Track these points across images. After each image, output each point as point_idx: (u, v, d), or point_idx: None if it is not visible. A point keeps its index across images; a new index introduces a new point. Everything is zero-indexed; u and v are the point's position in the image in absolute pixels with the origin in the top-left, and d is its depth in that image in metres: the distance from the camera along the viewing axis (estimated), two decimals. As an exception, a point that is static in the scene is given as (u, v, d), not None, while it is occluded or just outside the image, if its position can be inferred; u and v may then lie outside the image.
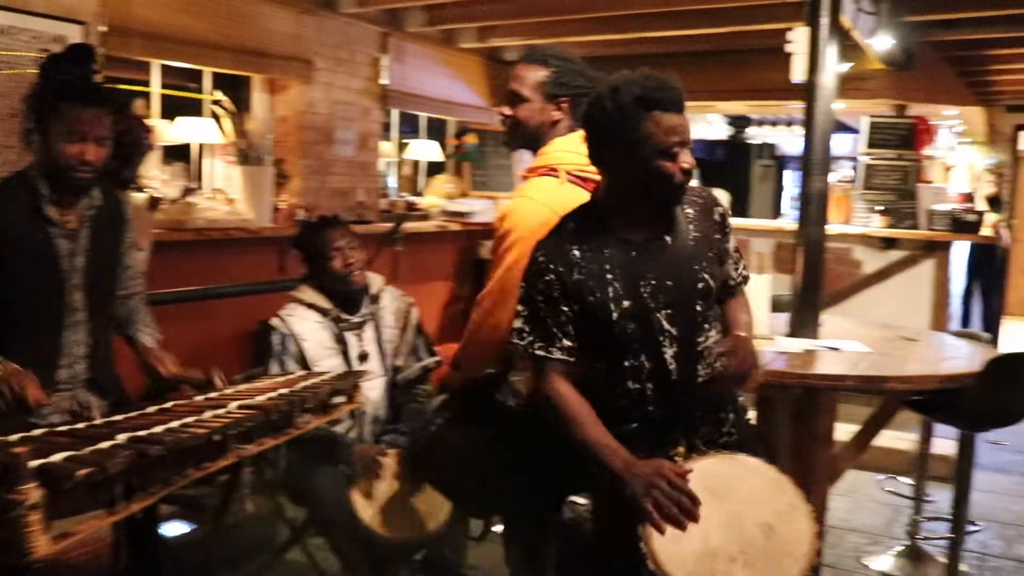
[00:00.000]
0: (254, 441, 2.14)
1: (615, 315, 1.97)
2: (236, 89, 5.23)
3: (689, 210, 2.08)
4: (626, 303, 1.97)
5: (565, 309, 1.99)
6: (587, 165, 2.14)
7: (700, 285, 2.04)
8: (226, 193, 4.98)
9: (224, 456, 2.03)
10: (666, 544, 1.73)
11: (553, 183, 2.32)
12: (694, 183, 2.05)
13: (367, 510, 2.79)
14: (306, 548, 3.18)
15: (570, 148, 2.33)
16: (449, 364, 2.64)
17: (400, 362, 3.17)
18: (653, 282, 1.99)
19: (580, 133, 2.11)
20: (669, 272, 2.00)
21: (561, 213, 2.13)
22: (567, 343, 2.01)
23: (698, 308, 2.03)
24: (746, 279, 2.26)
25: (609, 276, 1.98)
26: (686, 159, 1.92)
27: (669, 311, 1.99)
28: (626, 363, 2.00)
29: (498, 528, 4.08)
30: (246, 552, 3.42)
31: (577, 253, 1.99)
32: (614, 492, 1.90)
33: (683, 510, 1.80)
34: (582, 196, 2.17)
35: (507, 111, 2.41)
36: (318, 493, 2.85)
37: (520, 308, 2.04)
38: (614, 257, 1.99)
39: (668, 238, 2.02)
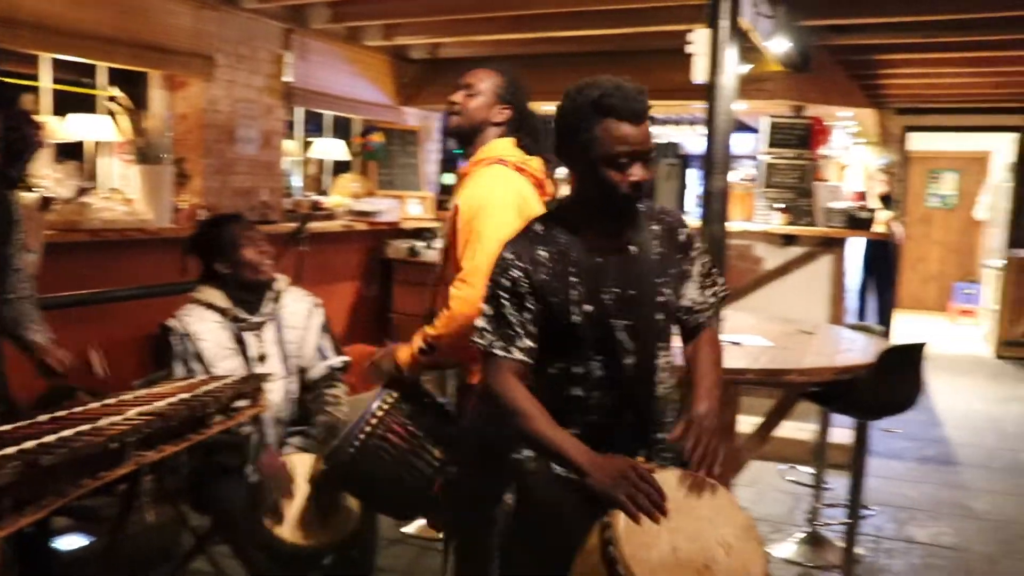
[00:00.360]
0: (154, 448, 2.09)
1: (574, 318, 1.95)
2: (133, 85, 5.07)
3: (656, 227, 2.07)
4: (587, 307, 1.96)
5: (530, 307, 1.98)
6: (528, 161, 2.54)
7: (660, 300, 2.03)
8: (123, 193, 4.82)
9: (122, 464, 1.98)
10: (637, 551, 1.71)
11: (504, 170, 2.56)
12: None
13: (273, 516, 2.73)
14: (211, 557, 3.10)
15: (508, 147, 2.60)
16: (414, 347, 2.58)
17: (305, 363, 3.13)
18: (616, 291, 1.98)
19: (513, 140, 2.56)
20: (632, 284, 2.00)
21: (518, 193, 2.45)
22: (528, 343, 1.99)
23: (658, 324, 2.03)
24: (722, 302, 2.21)
25: (573, 279, 1.97)
26: (636, 171, 1.91)
27: (628, 323, 1.98)
28: (576, 369, 2.00)
29: (409, 529, 4.06)
30: (147, 564, 3.32)
31: (543, 253, 1.98)
32: (577, 487, 1.87)
33: (654, 503, 1.77)
34: (527, 183, 2.54)
35: (459, 99, 2.62)
36: (223, 500, 2.79)
37: (485, 307, 2.02)
38: (580, 262, 1.98)
39: (634, 250, 2.02)
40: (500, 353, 1.98)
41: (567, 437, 1.92)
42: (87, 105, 4.83)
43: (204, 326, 2.95)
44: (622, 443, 1.98)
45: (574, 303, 1.96)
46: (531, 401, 1.97)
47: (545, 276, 1.97)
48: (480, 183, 2.54)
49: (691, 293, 2.12)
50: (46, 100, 4.59)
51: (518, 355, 1.98)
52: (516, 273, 1.98)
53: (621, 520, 1.75)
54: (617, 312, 1.98)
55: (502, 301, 1.99)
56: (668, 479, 1.85)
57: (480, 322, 2.02)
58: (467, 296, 2.41)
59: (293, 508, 2.78)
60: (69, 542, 3.40)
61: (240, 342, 2.98)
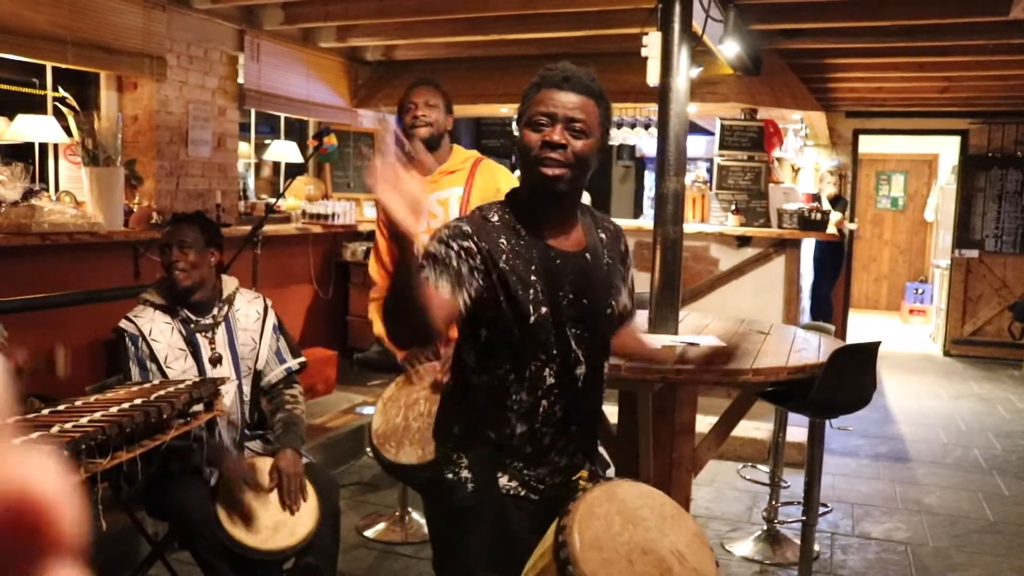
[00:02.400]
0: (108, 455, 2.05)
1: (532, 318, 1.87)
2: (82, 86, 4.99)
3: (602, 235, 2.04)
4: (544, 309, 1.88)
5: (477, 277, 1.82)
6: None
7: (608, 311, 2.00)
8: (73, 196, 4.74)
9: (74, 473, 1.94)
10: (597, 569, 1.70)
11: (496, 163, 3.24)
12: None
13: (232, 519, 2.71)
14: (169, 564, 3.07)
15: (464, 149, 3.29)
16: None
17: (261, 365, 3.11)
18: (571, 296, 1.92)
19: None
20: (586, 290, 1.94)
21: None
22: (465, 297, 1.79)
23: (606, 335, 2.01)
24: (634, 310, 2.23)
25: (533, 277, 1.88)
26: (555, 134, 1.82)
27: (578, 331, 1.93)
28: (527, 372, 1.90)
29: (370, 533, 4.04)
30: (103, 574, 3.26)
31: (505, 243, 1.88)
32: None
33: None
34: None
35: (430, 113, 3.15)
36: (180, 505, 2.76)
37: (426, 262, 1.79)
38: (540, 261, 1.90)
39: (588, 257, 1.97)
40: (442, 289, 1.77)
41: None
42: (35, 106, 4.74)
43: (155, 326, 2.94)
44: (565, 454, 1.96)
45: (533, 302, 1.87)
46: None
47: (506, 266, 1.86)
48: (499, 171, 3.18)
49: (623, 300, 2.11)
50: (-8, 101, 4.50)
51: (460, 298, 1.79)
52: (470, 244, 1.83)
53: (577, 538, 1.71)
54: (570, 318, 1.92)
55: (451, 257, 1.80)
56: (616, 492, 1.83)
57: (424, 273, 1.78)
58: None
59: (254, 512, 2.76)
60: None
61: (192, 343, 2.96)
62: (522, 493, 1.95)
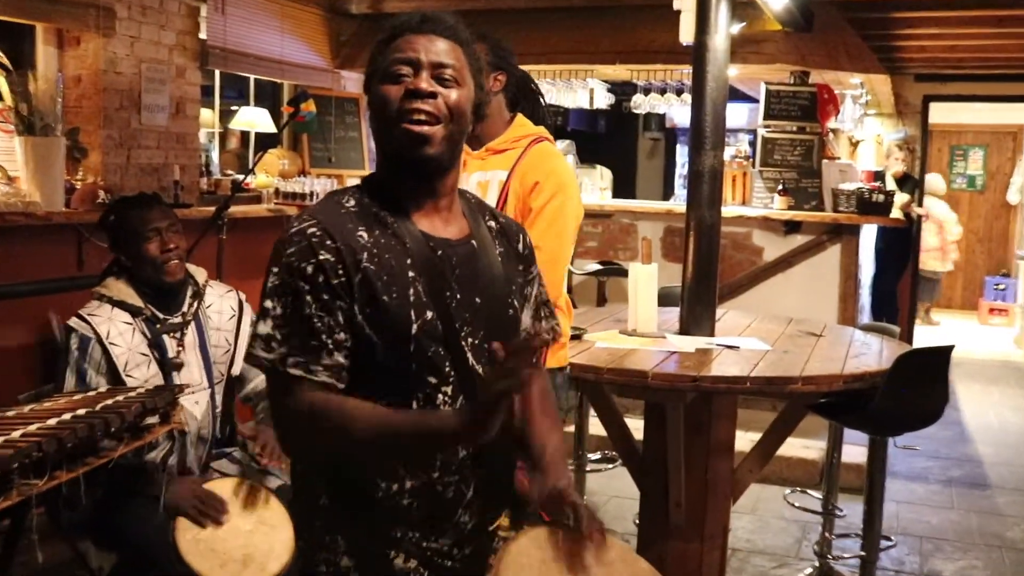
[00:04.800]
0: (45, 475, 2.06)
1: (415, 327, 1.67)
2: (15, 41, 4.99)
3: (491, 222, 1.90)
4: (429, 314, 1.69)
5: (342, 305, 1.64)
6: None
7: (511, 312, 1.83)
8: (4, 170, 4.75)
9: (4, 496, 1.95)
10: None
11: (555, 148, 3.00)
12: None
13: (194, 550, 2.72)
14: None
15: (530, 123, 3.02)
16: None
17: (237, 371, 3.11)
18: (459, 295, 1.74)
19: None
20: (478, 286, 1.77)
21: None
22: (338, 359, 1.65)
23: (511, 339, 1.70)
24: (555, 339, 2.05)
25: (411, 274, 1.69)
26: (421, 82, 1.70)
27: (476, 340, 1.74)
28: (414, 403, 1.69)
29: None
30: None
31: (364, 235, 1.69)
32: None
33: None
34: None
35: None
36: (131, 534, 2.77)
37: (269, 304, 1.65)
38: (414, 251, 1.71)
39: (475, 243, 1.81)
40: (297, 373, 1.62)
41: (417, 412, 1.67)
42: (-39, 66, 4.75)
43: (114, 327, 2.92)
44: (474, 510, 1.76)
45: (414, 306, 1.68)
46: (345, 400, 1.64)
47: (371, 265, 1.66)
48: (551, 161, 2.89)
49: (525, 320, 1.93)
50: (-89, 60, 4.51)
51: (323, 376, 1.64)
52: (326, 256, 1.64)
53: None
54: (462, 322, 1.73)
55: (303, 297, 1.63)
56: (546, 536, 1.71)
57: (264, 327, 1.65)
58: (554, 280, 2.66)
59: (216, 539, 2.76)
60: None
61: (157, 347, 2.96)
62: (424, 574, 1.74)
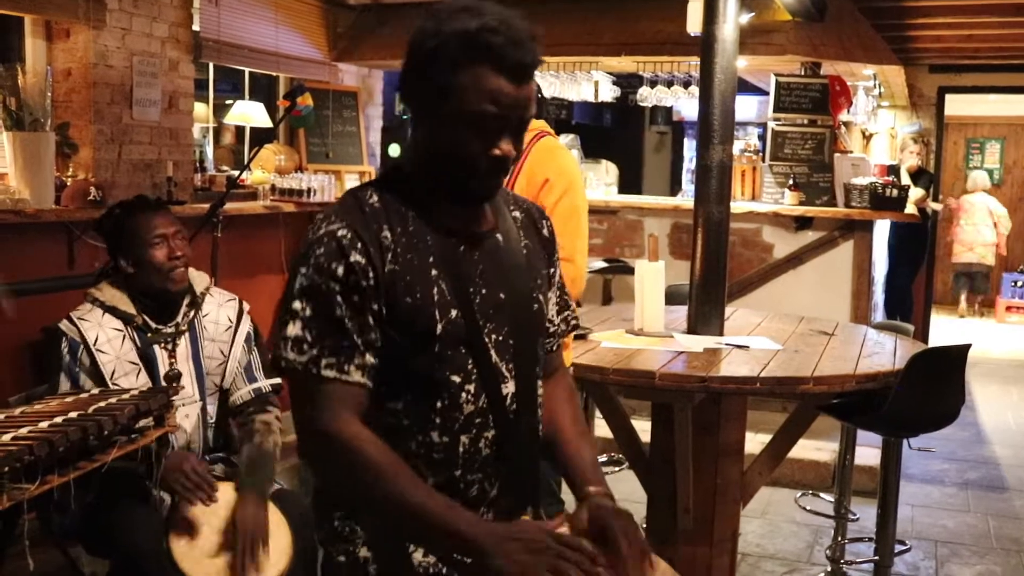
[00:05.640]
0: (36, 480, 2.06)
1: (439, 328, 1.69)
2: (2, 34, 5.00)
3: (516, 212, 1.91)
4: (453, 313, 1.71)
5: (375, 308, 1.67)
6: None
7: (536, 307, 1.85)
8: (-7, 167, 4.76)
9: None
10: None
11: (558, 142, 3.06)
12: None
13: (189, 557, 2.72)
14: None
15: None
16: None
17: (228, 383, 3.10)
18: (484, 290, 1.76)
19: None
20: (502, 281, 1.78)
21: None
22: (369, 359, 1.67)
23: (536, 339, 1.85)
24: (574, 328, 2.10)
25: (434, 272, 1.71)
26: (504, 145, 1.68)
27: (499, 337, 1.77)
28: (438, 403, 1.72)
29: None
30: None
31: (388, 236, 1.69)
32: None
33: (589, 574, 1.54)
34: None
35: None
36: (124, 540, 2.77)
37: (298, 305, 1.66)
38: (437, 248, 1.73)
39: (499, 237, 1.82)
40: (331, 375, 1.64)
41: (450, 504, 1.63)
42: (-52, 60, 4.76)
43: (103, 334, 2.91)
44: (498, 508, 1.79)
45: (439, 305, 1.70)
46: (385, 451, 1.65)
47: (395, 266, 1.68)
48: (558, 157, 2.97)
49: (550, 307, 1.96)
50: None
51: (357, 376, 1.66)
52: (357, 258, 1.66)
53: None
54: (487, 319, 1.75)
55: (334, 299, 1.65)
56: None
57: (293, 328, 1.66)
58: (575, 276, 2.77)
59: (213, 546, 2.76)
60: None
61: (147, 357, 2.95)
62: (444, 571, 1.74)
